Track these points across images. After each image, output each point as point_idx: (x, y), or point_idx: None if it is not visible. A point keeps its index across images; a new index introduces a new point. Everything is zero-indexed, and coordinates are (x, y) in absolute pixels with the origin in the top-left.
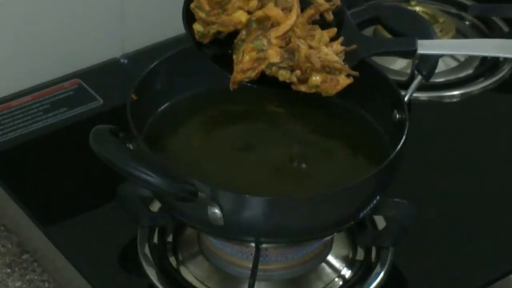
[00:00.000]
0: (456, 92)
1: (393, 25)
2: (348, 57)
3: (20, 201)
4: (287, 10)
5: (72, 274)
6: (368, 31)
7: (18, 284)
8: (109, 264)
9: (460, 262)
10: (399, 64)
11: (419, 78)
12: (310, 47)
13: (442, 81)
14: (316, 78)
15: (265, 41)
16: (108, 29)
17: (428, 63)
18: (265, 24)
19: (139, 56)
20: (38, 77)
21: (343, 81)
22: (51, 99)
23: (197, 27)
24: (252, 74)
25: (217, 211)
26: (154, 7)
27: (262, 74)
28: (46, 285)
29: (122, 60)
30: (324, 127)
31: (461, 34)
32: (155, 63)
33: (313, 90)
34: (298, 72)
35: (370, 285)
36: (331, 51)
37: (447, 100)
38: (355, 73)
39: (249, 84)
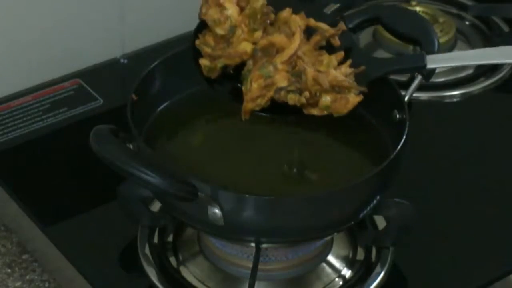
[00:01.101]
0: (456, 92)
1: (394, 26)
2: (358, 79)
3: (20, 201)
4: (290, 35)
5: (72, 274)
6: (368, 31)
7: (18, 284)
8: (109, 264)
9: (460, 262)
10: None
11: (419, 78)
12: (319, 72)
13: (442, 81)
14: (326, 99)
15: (271, 68)
16: (108, 29)
17: None
18: (270, 51)
19: (139, 56)
20: (38, 77)
21: (353, 99)
22: (51, 99)
23: (204, 62)
24: (262, 102)
25: (217, 211)
26: (154, 7)
27: (273, 102)
28: (46, 285)
29: (122, 60)
30: (324, 127)
31: (461, 34)
32: (155, 63)
33: (325, 112)
34: (307, 93)
35: (371, 285)
36: (340, 73)
37: (447, 100)
38: (364, 89)
39: (261, 114)
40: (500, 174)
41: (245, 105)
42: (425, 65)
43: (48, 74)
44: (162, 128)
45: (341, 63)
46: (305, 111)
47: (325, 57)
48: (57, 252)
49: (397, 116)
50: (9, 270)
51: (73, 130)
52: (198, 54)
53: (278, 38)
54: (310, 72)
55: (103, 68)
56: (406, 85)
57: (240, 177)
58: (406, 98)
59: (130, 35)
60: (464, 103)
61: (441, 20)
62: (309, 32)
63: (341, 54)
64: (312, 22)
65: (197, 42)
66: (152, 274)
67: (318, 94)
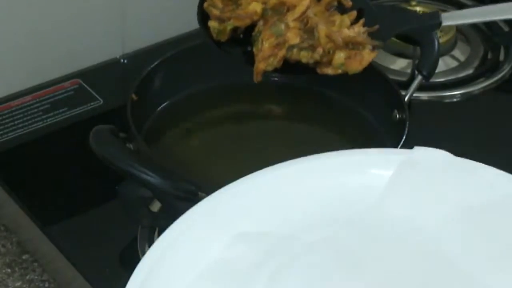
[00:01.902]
0: (456, 92)
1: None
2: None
3: (20, 201)
4: None
5: (72, 274)
6: None
7: (18, 284)
8: (109, 264)
9: None
10: (399, 64)
11: (419, 78)
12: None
13: (442, 81)
14: (340, 56)
15: (282, 26)
16: (108, 29)
17: (428, 63)
18: (280, 10)
19: (139, 56)
20: (38, 77)
21: (368, 55)
22: (51, 99)
23: (213, 23)
24: (275, 62)
25: None
26: (154, 7)
27: (285, 64)
28: (46, 285)
29: (122, 60)
30: (325, 126)
31: (461, 34)
32: (155, 63)
33: (339, 71)
34: (320, 50)
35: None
36: (353, 32)
37: (447, 100)
38: (379, 44)
39: (273, 75)
40: None
41: (256, 65)
42: (440, 22)
43: (48, 74)
44: (162, 128)
45: (353, 23)
46: (319, 71)
47: (337, 17)
48: (57, 252)
49: (397, 116)
50: (9, 270)
51: (73, 130)
52: (205, 17)
53: None
54: (322, 29)
55: (103, 68)
56: (406, 85)
57: (240, 177)
58: (406, 98)
59: (130, 35)
60: (464, 103)
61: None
62: None
63: (353, 13)
64: None
65: (205, 4)
66: None
67: (331, 51)
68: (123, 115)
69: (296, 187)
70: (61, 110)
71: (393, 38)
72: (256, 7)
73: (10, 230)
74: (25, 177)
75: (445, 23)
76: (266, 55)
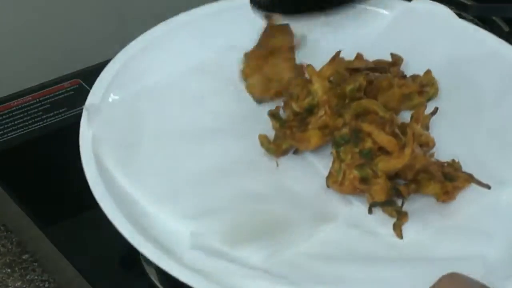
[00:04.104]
0: None
1: None
2: None
3: (20, 201)
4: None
5: (72, 274)
6: None
7: (18, 284)
8: (109, 264)
9: None
10: None
11: None
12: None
13: None
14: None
15: (370, 171)
16: (108, 29)
17: None
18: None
19: None
20: (38, 77)
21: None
22: (51, 99)
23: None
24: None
25: None
26: (154, 8)
27: None
28: (46, 285)
29: None
30: None
31: None
32: None
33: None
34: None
35: None
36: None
37: None
38: (486, 186)
39: None
40: None
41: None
42: None
43: (48, 74)
44: None
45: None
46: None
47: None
48: (57, 252)
49: None
50: (9, 270)
51: (73, 130)
52: None
53: (384, 139)
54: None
55: (103, 68)
56: None
57: None
58: None
59: (130, 35)
60: None
61: None
62: None
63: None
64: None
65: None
66: (152, 274)
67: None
68: None
69: None
70: (61, 110)
71: None
72: (318, 141)
73: (10, 230)
74: (25, 177)
75: None
76: (345, 189)
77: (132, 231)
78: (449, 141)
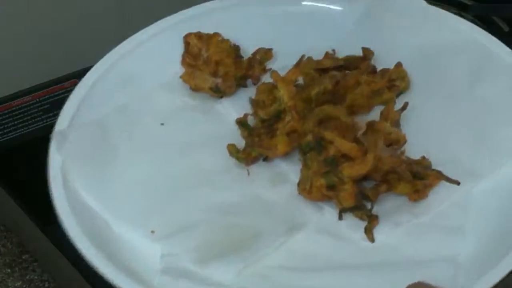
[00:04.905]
0: None
1: None
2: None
3: (20, 201)
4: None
5: (72, 274)
6: None
7: (18, 284)
8: None
9: None
10: None
11: None
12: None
13: None
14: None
15: (336, 179)
16: (108, 29)
17: None
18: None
19: None
20: (38, 77)
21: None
22: (51, 99)
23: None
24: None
25: None
26: (153, 8)
27: None
28: (46, 285)
29: None
30: None
31: None
32: None
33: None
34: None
35: None
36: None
37: None
38: (456, 182)
39: None
40: None
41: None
42: None
43: (48, 74)
44: None
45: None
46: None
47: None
48: (57, 252)
49: None
50: (9, 270)
51: None
52: None
53: (346, 146)
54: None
55: None
56: None
57: None
58: None
59: (130, 35)
60: None
61: None
62: None
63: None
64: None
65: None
66: None
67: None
68: None
69: None
70: (61, 110)
71: None
72: (286, 148)
73: (10, 230)
74: (25, 177)
75: None
76: (314, 197)
77: (102, 260)
78: (421, 136)
